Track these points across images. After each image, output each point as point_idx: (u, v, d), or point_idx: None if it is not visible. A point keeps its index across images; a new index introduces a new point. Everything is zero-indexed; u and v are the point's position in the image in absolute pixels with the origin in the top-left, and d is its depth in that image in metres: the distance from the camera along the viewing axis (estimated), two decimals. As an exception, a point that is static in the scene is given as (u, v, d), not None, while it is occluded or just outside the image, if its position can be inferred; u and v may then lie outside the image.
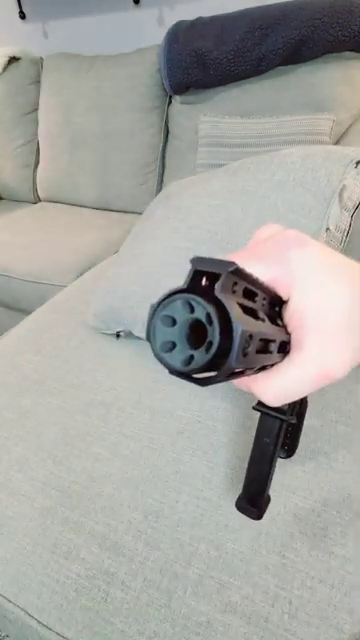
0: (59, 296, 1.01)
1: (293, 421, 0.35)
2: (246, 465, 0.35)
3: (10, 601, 0.49)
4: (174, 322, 0.17)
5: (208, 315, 0.16)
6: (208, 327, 0.16)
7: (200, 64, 1.38)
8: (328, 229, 0.67)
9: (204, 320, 0.16)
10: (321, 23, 1.22)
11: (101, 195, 1.72)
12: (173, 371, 0.17)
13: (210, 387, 0.67)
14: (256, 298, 0.20)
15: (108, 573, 0.48)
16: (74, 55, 1.71)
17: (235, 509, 0.35)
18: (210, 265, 0.17)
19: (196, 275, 0.17)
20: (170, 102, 1.58)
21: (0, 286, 1.37)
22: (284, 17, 1.26)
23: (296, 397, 0.23)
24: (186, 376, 0.18)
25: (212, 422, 0.62)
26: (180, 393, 0.67)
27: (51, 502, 0.55)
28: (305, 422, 0.48)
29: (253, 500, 0.34)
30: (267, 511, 0.35)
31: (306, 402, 0.44)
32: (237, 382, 0.25)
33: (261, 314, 0.20)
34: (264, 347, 0.20)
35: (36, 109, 1.82)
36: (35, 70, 1.80)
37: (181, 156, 1.57)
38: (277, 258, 0.22)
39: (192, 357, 0.16)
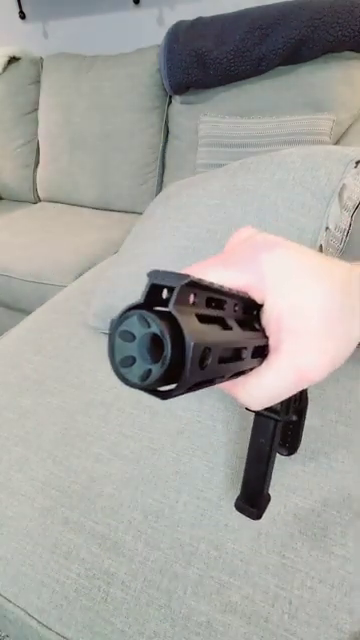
0: (59, 296, 1.01)
1: (293, 419, 0.35)
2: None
3: (10, 601, 0.49)
4: (133, 337, 0.17)
5: (162, 330, 0.16)
6: (164, 341, 0.16)
7: (200, 64, 1.38)
8: (328, 228, 0.67)
9: (159, 334, 0.16)
10: (321, 23, 1.22)
11: (101, 195, 1.72)
12: (133, 386, 0.17)
13: (210, 387, 0.67)
14: (225, 306, 0.20)
15: (108, 573, 0.48)
16: (74, 55, 1.71)
17: (235, 509, 0.35)
18: (165, 279, 0.17)
19: (154, 288, 0.17)
20: (170, 102, 1.58)
21: (0, 286, 1.37)
22: (284, 17, 1.26)
23: (277, 400, 0.23)
24: (148, 390, 0.17)
25: (212, 422, 0.62)
26: (180, 393, 0.67)
27: (51, 502, 0.55)
28: (305, 422, 0.48)
29: (252, 500, 0.34)
30: (267, 511, 0.35)
31: (306, 398, 0.44)
32: (220, 387, 0.25)
33: (230, 322, 0.20)
34: (234, 355, 0.20)
35: (36, 109, 1.82)
36: (35, 70, 1.80)
37: (181, 156, 1.57)
38: (247, 263, 0.22)
39: (150, 371, 0.16)
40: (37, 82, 1.80)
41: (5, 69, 1.78)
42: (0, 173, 1.91)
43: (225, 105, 1.45)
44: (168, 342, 0.15)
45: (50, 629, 0.47)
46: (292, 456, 0.56)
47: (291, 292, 0.21)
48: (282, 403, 0.33)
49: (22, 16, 1.89)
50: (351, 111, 1.32)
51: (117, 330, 0.17)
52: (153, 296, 0.17)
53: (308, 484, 0.53)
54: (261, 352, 0.22)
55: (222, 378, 0.20)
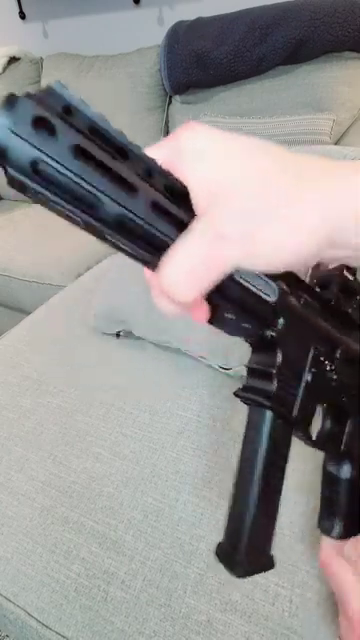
0: (59, 296, 1.01)
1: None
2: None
3: (10, 601, 0.49)
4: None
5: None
6: None
7: (200, 64, 1.38)
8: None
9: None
10: (321, 23, 1.23)
11: (101, 195, 1.72)
12: None
13: (210, 387, 0.67)
14: (127, 162, 0.20)
15: (108, 573, 0.48)
16: (74, 55, 1.71)
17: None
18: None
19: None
20: (170, 102, 1.58)
21: (0, 286, 1.37)
22: (284, 17, 1.26)
23: (194, 277, 0.20)
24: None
25: (212, 421, 0.62)
26: (180, 393, 0.67)
27: (51, 502, 0.55)
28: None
29: (234, 544, 0.24)
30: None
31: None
32: (154, 295, 0.23)
33: (123, 172, 0.19)
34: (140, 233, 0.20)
35: (36, 109, 1.82)
36: (35, 70, 1.80)
37: (181, 156, 1.57)
38: (168, 140, 0.22)
39: None
40: (37, 82, 1.80)
41: (5, 69, 1.78)
42: (0, 173, 1.90)
43: (225, 105, 1.45)
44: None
45: (50, 629, 0.47)
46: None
47: (214, 167, 0.20)
48: (279, 383, 0.23)
49: (22, 16, 1.89)
50: (351, 111, 1.32)
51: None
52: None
53: (309, 483, 0.53)
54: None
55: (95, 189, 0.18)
